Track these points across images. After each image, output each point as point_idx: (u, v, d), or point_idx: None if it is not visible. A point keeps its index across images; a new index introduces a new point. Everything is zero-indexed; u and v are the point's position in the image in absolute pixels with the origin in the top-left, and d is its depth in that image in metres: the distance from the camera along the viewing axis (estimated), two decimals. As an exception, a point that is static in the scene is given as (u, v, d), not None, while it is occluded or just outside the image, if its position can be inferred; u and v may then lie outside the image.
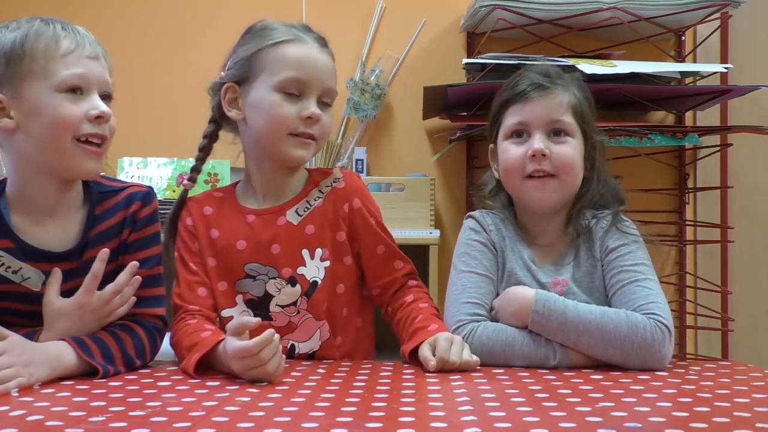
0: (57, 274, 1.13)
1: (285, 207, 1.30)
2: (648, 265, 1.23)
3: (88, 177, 1.16)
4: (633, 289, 1.19)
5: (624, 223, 1.28)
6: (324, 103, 1.27)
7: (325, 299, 1.29)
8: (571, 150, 1.25)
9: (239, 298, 1.29)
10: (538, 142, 1.24)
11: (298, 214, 1.29)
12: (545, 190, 1.25)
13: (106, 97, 1.14)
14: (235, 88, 1.28)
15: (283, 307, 1.28)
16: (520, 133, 1.28)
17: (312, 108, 1.23)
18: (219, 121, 1.35)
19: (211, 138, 1.37)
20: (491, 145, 1.36)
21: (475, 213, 1.35)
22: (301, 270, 1.28)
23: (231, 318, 1.26)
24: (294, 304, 1.28)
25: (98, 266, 1.13)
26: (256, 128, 1.27)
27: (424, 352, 1.14)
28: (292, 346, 1.30)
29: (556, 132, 1.26)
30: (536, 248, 1.30)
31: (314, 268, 1.28)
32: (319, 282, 1.28)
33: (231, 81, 1.28)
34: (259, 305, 1.28)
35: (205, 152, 1.38)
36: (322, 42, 1.29)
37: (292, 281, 1.28)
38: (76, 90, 1.10)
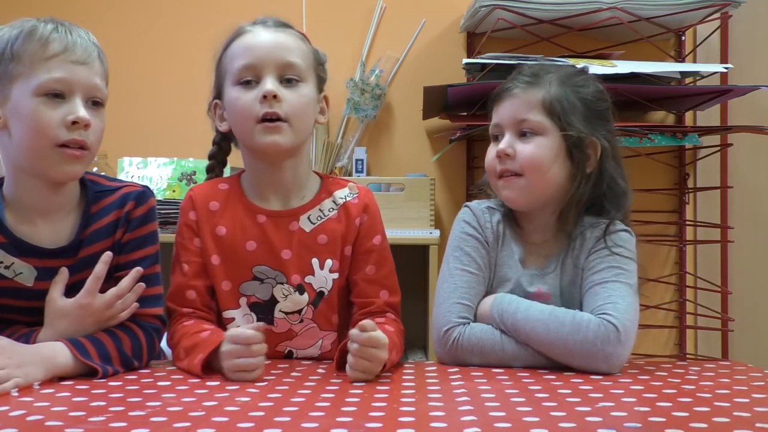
0: (63, 273, 1.12)
1: (298, 212, 1.27)
2: (622, 270, 1.19)
3: (68, 180, 1.13)
4: (597, 290, 1.18)
5: (614, 236, 1.22)
6: (287, 80, 1.21)
7: (334, 311, 1.28)
8: (533, 149, 1.22)
9: (243, 301, 1.26)
10: (503, 143, 1.25)
11: (311, 222, 1.26)
12: (512, 189, 1.25)
13: (96, 103, 1.11)
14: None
15: (287, 313, 1.26)
16: (496, 136, 1.29)
17: (268, 86, 1.19)
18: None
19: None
20: None
21: (473, 204, 1.33)
22: (309, 279, 1.25)
23: (233, 320, 1.25)
24: (299, 312, 1.26)
25: (101, 268, 1.12)
26: (231, 125, 1.27)
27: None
28: (290, 351, 1.29)
29: (523, 131, 1.24)
30: (528, 245, 1.29)
31: (322, 279, 1.26)
32: (326, 293, 1.26)
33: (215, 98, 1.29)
34: (264, 309, 1.26)
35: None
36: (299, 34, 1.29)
37: (300, 289, 1.25)
38: (57, 95, 1.07)
